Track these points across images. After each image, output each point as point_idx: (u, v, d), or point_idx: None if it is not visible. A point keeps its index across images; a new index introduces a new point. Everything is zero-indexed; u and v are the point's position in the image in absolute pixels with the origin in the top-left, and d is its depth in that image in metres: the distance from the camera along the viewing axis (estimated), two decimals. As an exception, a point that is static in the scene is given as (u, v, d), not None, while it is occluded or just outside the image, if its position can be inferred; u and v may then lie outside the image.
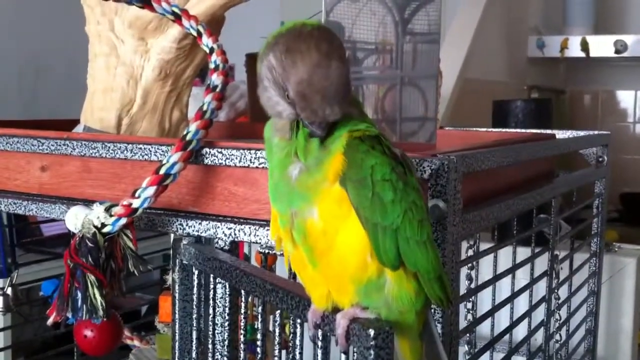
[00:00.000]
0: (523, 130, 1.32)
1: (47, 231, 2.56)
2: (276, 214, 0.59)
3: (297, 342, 0.68)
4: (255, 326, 1.04)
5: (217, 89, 0.86)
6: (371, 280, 0.55)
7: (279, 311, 0.69)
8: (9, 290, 1.26)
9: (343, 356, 0.61)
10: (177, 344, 0.86)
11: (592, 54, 2.75)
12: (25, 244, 2.33)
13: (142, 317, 2.47)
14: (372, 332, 0.54)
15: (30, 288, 1.79)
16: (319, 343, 0.62)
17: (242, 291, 0.75)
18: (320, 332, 0.61)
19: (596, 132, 1.27)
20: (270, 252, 0.82)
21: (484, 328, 1.25)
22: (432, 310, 0.68)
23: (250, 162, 0.77)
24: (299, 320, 0.66)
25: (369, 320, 0.56)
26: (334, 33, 0.55)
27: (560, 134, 1.20)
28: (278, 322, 0.69)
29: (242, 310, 0.77)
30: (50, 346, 1.62)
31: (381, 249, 0.55)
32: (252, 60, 1.39)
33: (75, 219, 0.79)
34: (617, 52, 2.70)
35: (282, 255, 0.98)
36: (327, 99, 0.53)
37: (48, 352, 1.44)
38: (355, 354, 0.61)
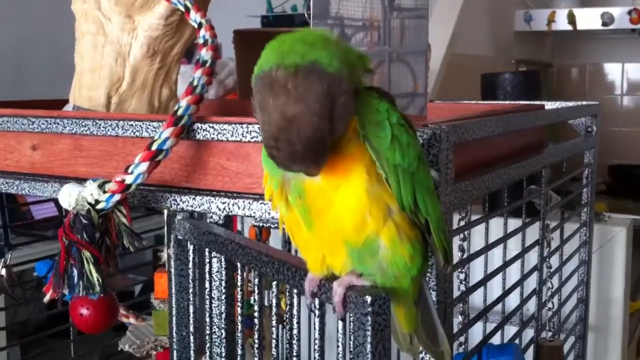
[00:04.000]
0: (512, 102, 1.32)
1: (37, 214, 2.56)
2: (268, 175, 0.59)
3: (294, 313, 0.68)
4: (251, 301, 1.05)
5: (207, 64, 0.86)
6: (368, 241, 0.56)
7: (275, 282, 0.70)
8: (3, 272, 1.26)
9: (339, 325, 0.61)
10: (174, 318, 0.86)
11: (579, 26, 2.76)
12: (15, 227, 2.33)
13: (136, 298, 2.47)
14: (369, 298, 0.54)
15: (22, 271, 1.79)
16: (316, 311, 0.62)
17: (238, 264, 0.75)
18: (317, 301, 0.62)
19: (585, 103, 1.27)
20: (265, 225, 0.82)
21: (477, 300, 1.26)
22: (427, 278, 0.68)
23: (243, 137, 0.77)
24: (295, 291, 0.67)
25: (366, 287, 0.56)
26: (316, 73, 0.51)
27: (549, 105, 1.21)
28: (275, 294, 0.70)
29: (239, 284, 0.77)
30: (44, 328, 1.61)
31: (402, 191, 0.55)
32: (240, 37, 1.38)
33: (69, 197, 0.79)
34: (604, 24, 2.70)
35: (276, 228, 0.98)
36: (297, 160, 0.52)
37: (42, 333, 1.44)
38: (351, 322, 0.61)
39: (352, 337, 0.56)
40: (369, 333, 0.54)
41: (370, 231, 0.55)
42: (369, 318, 0.54)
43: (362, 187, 0.55)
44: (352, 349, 0.57)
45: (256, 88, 0.53)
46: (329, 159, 0.53)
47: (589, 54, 3.19)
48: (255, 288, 0.74)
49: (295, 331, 0.69)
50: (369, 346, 0.54)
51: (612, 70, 3.18)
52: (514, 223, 1.16)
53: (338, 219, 0.55)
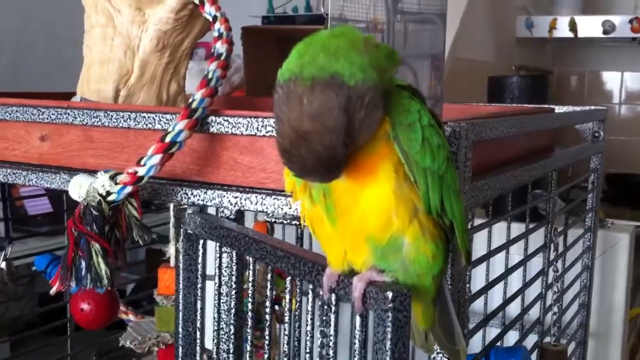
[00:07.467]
0: (521, 105, 1.32)
1: (31, 210, 2.54)
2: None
3: (309, 308, 0.67)
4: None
5: (222, 57, 0.85)
6: (392, 239, 0.55)
7: (289, 278, 0.69)
8: (3, 265, 1.24)
9: (357, 321, 0.60)
10: (180, 314, 0.85)
11: (580, 34, 2.76)
12: (12, 222, 2.31)
13: (128, 297, 2.46)
14: (390, 294, 0.53)
15: (16, 266, 1.77)
16: (332, 307, 0.61)
17: (250, 259, 0.74)
18: (334, 297, 0.61)
19: (593, 107, 1.27)
20: (277, 221, 0.81)
21: (477, 304, 1.25)
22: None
23: (257, 131, 0.76)
24: (311, 286, 0.66)
25: (387, 283, 0.56)
26: (334, 87, 0.50)
27: (558, 109, 1.20)
28: (288, 289, 0.69)
29: (250, 279, 0.77)
30: (36, 324, 1.59)
31: (430, 194, 0.54)
32: (248, 34, 1.38)
33: (80, 188, 0.78)
34: (605, 32, 2.71)
35: (285, 224, 0.97)
36: (309, 173, 0.52)
37: (36, 329, 1.43)
38: (364, 318, 0.60)
39: (366, 333, 0.55)
40: (389, 329, 0.54)
41: (395, 230, 0.55)
42: (390, 314, 0.53)
43: (390, 187, 0.54)
44: (360, 347, 0.56)
45: (276, 95, 0.52)
46: (348, 165, 0.52)
47: (588, 61, 3.19)
48: (269, 284, 0.73)
49: (308, 327, 0.68)
50: (388, 343, 0.54)
51: (611, 79, 3.19)
52: (517, 228, 1.16)
53: (363, 218, 0.55)
